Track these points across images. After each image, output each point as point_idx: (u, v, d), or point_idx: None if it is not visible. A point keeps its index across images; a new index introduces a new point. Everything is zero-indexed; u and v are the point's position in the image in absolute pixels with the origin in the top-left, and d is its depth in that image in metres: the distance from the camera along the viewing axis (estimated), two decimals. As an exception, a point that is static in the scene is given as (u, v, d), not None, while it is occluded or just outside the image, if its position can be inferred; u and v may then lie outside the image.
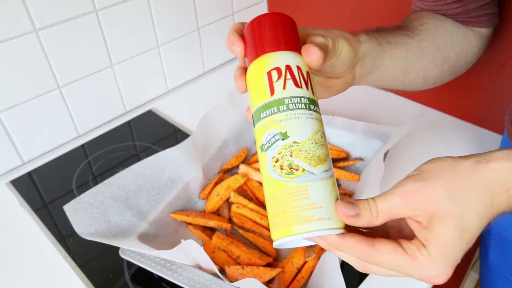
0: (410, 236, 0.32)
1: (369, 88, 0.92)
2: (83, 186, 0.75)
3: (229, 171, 0.75)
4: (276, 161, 0.32)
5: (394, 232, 0.35)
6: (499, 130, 0.79)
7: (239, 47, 0.37)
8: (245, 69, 0.38)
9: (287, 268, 0.58)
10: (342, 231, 0.32)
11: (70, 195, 0.73)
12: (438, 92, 0.77)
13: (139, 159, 0.66)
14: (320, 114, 0.35)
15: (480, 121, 0.82)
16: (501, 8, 0.64)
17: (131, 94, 0.91)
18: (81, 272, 0.61)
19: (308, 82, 0.35)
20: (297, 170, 0.32)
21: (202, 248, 0.50)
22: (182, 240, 0.50)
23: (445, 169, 0.32)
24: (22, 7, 0.68)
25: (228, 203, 0.68)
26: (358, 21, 0.90)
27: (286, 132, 0.32)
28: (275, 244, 0.33)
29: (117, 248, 0.58)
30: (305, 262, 0.58)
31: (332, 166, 0.34)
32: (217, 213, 0.67)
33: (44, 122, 0.80)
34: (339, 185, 0.71)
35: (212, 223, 0.64)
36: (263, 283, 0.49)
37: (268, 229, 0.63)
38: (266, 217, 0.64)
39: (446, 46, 0.58)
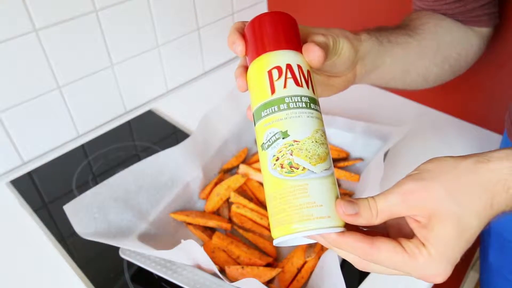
0: (409, 235, 0.32)
1: (369, 88, 0.92)
2: (83, 186, 0.75)
3: (229, 171, 0.75)
4: (277, 160, 0.32)
5: (394, 231, 0.35)
6: (499, 130, 0.79)
7: (240, 46, 0.37)
8: (246, 68, 0.38)
9: (287, 268, 0.58)
10: (342, 229, 0.32)
11: (70, 195, 0.73)
12: (438, 92, 0.77)
13: (139, 159, 0.66)
14: (320, 113, 0.35)
15: (480, 121, 0.82)
16: (501, 9, 0.64)
17: (131, 94, 0.91)
18: (81, 272, 0.61)
19: (308, 81, 0.35)
20: (298, 168, 0.32)
21: (202, 248, 0.50)
22: (182, 240, 0.50)
23: (445, 169, 0.32)
24: (22, 7, 0.68)
25: (228, 203, 0.68)
26: (358, 21, 0.90)
27: (286, 130, 0.33)
28: (275, 242, 0.33)
29: (117, 248, 0.58)
30: (305, 262, 0.58)
31: (333, 165, 0.34)
32: (217, 213, 0.67)
33: (44, 122, 0.80)
34: (339, 185, 0.71)
35: (212, 223, 0.64)
36: (263, 283, 0.49)
37: (268, 229, 0.63)
38: (266, 217, 0.65)
39: (447, 45, 0.58)
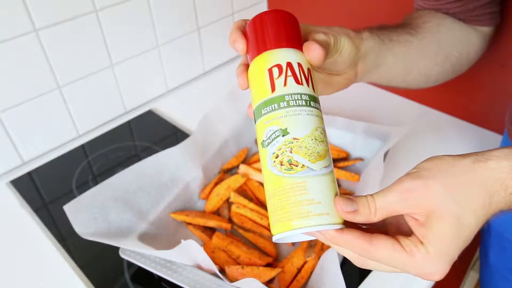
0: (408, 232, 0.33)
1: (369, 88, 0.92)
2: (83, 186, 0.75)
3: (229, 171, 0.75)
4: (276, 157, 0.33)
5: (392, 228, 0.35)
6: (499, 130, 0.79)
7: (241, 44, 0.37)
8: (247, 66, 0.38)
9: (287, 268, 0.58)
10: (340, 226, 0.32)
11: (70, 195, 0.73)
12: (438, 92, 0.77)
13: (139, 159, 0.66)
14: (320, 111, 0.35)
15: (480, 121, 0.82)
16: (502, 8, 0.64)
17: (131, 94, 0.91)
18: (81, 272, 0.61)
19: (309, 79, 0.35)
20: (297, 166, 0.32)
21: (202, 248, 0.50)
22: (182, 240, 0.50)
23: (444, 167, 0.32)
24: (22, 7, 0.68)
25: (228, 203, 0.68)
26: (359, 20, 0.90)
27: (286, 128, 0.33)
28: (275, 239, 0.33)
29: (117, 248, 0.57)
30: (305, 262, 0.58)
31: (332, 162, 0.34)
32: (217, 213, 0.67)
33: (44, 122, 0.79)
34: (339, 185, 0.71)
35: (212, 223, 0.64)
36: (263, 283, 0.49)
37: (268, 229, 0.63)
38: (266, 217, 0.65)
39: (448, 44, 0.58)
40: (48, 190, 0.75)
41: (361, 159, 0.73)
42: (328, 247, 0.58)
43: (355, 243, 0.32)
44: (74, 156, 0.82)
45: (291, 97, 0.34)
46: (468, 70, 0.63)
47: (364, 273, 0.58)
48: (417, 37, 0.55)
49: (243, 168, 0.71)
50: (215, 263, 0.55)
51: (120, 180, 0.63)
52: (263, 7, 1.09)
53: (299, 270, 0.58)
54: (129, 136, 0.87)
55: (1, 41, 0.68)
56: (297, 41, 0.37)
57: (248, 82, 0.38)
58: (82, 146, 0.84)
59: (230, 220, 0.66)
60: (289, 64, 0.35)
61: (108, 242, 0.55)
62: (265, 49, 0.36)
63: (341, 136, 0.76)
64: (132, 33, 0.85)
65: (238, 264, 0.59)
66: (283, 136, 0.33)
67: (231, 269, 0.57)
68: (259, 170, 0.70)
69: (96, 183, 0.69)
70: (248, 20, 0.39)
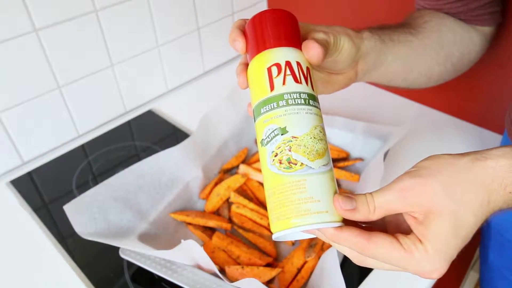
0: (407, 231, 0.33)
1: (369, 87, 0.92)
2: (83, 186, 0.75)
3: (229, 171, 0.75)
4: (275, 156, 0.33)
5: (392, 226, 0.35)
6: (499, 130, 0.79)
7: (240, 43, 0.38)
8: (246, 65, 0.38)
9: (287, 268, 0.58)
10: (339, 224, 0.32)
11: (70, 195, 0.73)
12: (438, 92, 0.77)
13: (139, 159, 0.66)
14: (320, 110, 0.35)
15: (480, 121, 0.82)
16: (504, 7, 0.63)
17: (131, 94, 0.91)
18: (81, 272, 0.61)
19: (308, 78, 0.35)
20: (296, 164, 0.32)
21: (202, 248, 0.50)
22: (182, 240, 0.50)
23: (443, 166, 0.32)
24: (21, 7, 0.68)
25: (228, 203, 0.68)
26: (359, 20, 0.90)
27: (285, 127, 0.33)
28: (274, 237, 0.33)
29: (117, 248, 0.57)
30: (305, 262, 0.58)
31: (331, 161, 0.34)
32: (217, 213, 0.67)
33: (44, 122, 0.79)
34: (339, 185, 0.71)
35: (212, 223, 0.64)
36: (263, 283, 0.49)
37: (268, 229, 0.63)
38: (266, 217, 0.65)
39: (449, 44, 0.58)
40: (48, 190, 0.75)
41: (361, 159, 0.73)
42: (328, 246, 0.58)
43: (354, 241, 0.32)
44: (74, 156, 0.82)
45: (290, 96, 0.34)
46: (468, 70, 0.63)
47: (364, 273, 0.58)
48: (418, 37, 0.55)
49: (243, 168, 0.71)
50: (215, 263, 0.55)
51: (120, 180, 0.63)
52: (263, 7, 1.09)
53: (299, 270, 0.58)
54: (129, 136, 0.87)
55: (1, 41, 0.68)
56: (296, 40, 0.37)
57: (248, 81, 0.38)
58: (82, 146, 0.84)
59: (230, 220, 0.66)
60: (288, 63, 0.35)
61: (108, 242, 0.55)
62: (264, 48, 0.36)
63: (341, 136, 0.76)
64: (132, 33, 0.85)
65: (238, 264, 0.59)
66: (282, 134, 0.33)
67: (231, 269, 0.57)
68: (259, 170, 0.70)
69: (96, 183, 0.69)
70: (248, 19, 0.39)
